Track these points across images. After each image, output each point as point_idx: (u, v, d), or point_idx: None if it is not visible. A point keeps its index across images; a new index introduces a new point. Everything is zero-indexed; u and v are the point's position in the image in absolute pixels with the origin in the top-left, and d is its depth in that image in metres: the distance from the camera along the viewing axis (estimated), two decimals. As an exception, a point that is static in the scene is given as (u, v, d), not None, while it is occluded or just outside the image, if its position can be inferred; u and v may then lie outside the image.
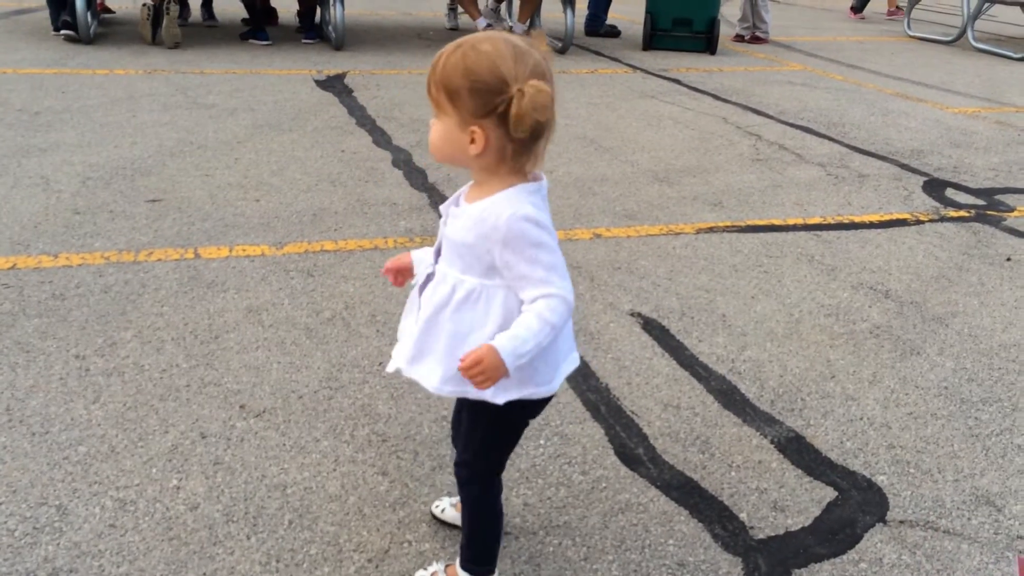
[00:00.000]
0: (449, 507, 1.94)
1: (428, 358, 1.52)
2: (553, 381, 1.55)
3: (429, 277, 1.54)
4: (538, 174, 1.49)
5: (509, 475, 2.11)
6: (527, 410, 1.60)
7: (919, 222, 4.02)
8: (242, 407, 2.31)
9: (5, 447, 2.09)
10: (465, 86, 1.37)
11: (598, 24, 8.51)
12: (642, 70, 7.03)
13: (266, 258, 3.18)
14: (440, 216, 1.55)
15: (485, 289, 1.46)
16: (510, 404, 1.51)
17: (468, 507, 1.69)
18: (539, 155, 1.45)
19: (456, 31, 8.10)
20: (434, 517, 1.96)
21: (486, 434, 1.62)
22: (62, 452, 2.09)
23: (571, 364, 1.61)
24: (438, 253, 1.54)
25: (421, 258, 1.61)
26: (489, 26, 7.30)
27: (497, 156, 1.42)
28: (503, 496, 1.74)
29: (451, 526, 1.92)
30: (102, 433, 2.16)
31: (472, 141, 1.39)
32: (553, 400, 2.41)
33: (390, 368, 1.60)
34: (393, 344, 1.65)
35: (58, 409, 2.24)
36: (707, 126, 5.43)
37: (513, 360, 1.40)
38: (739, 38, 8.70)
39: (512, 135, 1.38)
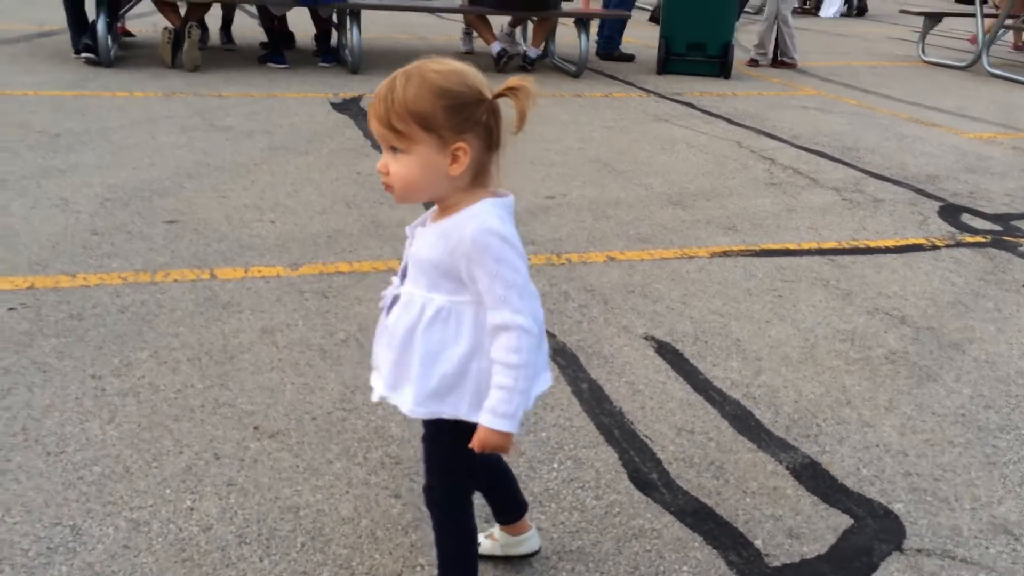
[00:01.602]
0: (483, 539, 1.90)
1: (403, 382, 1.51)
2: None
3: (395, 299, 1.52)
4: (504, 191, 1.49)
5: (522, 499, 2.11)
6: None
7: (935, 247, 4.00)
8: (256, 428, 2.31)
9: (20, 466, 2.10)
10: (441, 105, 1.37)
11: (612, 46, 8.55)
12: (656, 94, 7.05)
13: (281, 279, 3.20)
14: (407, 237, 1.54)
15: (454, 306, 1.46)
16: (460, 425, 1.49)
17: (437, 530, 1.68)
18: (497, 167, 1.47)
19: (471, 55, 8.16)
20: None
21: (448, 455, 1.60)
22: (77, 472, 2.09)
23: (544, 384, 1.57)
24: (404, 275, 1.53)
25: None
26: (504, 50, 7.34)
27: (471, 172, 1.43)
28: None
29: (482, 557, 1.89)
30: (117, 453, 2.17)
31: (454, 160, 1.40)
32: (566, 423, 2.42)
33: (374, 397, 1.58)
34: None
35: (74, 429, 2.26)
36: (721, 150, 5.43)
37: (508, 423, 1.43)
38: (753, 63, 8.73)
39: (494, 147, 1.43)
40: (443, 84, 1.38)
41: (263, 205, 3.93)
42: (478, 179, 1.45)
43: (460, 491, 1.68)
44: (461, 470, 1.65)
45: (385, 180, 1.44)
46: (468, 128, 1.39)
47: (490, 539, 1.90)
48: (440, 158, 1.39)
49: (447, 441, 1.57)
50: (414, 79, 1.38)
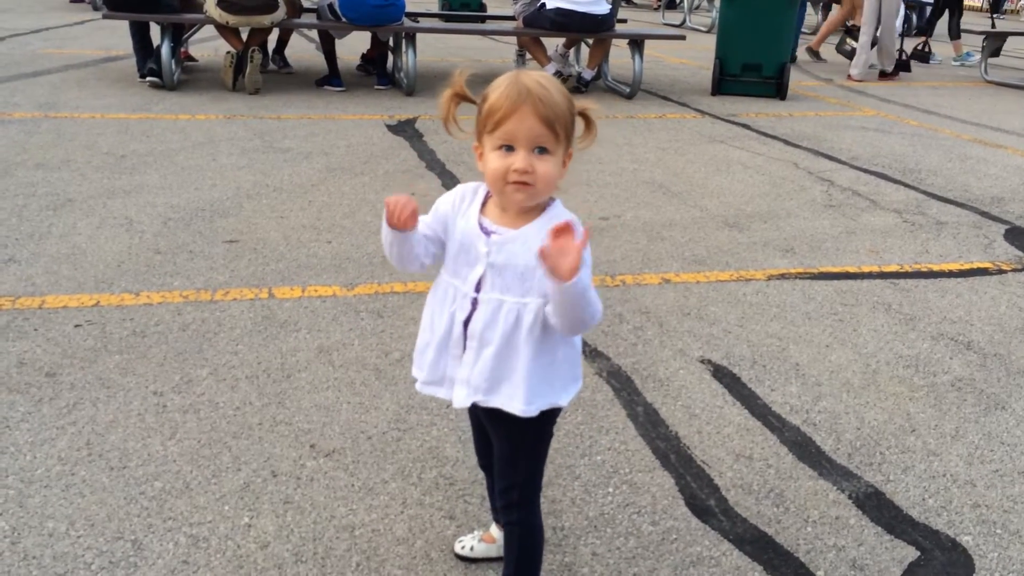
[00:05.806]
0: (477, 542, 1.94)
1: (504, 384, 1.54)
2: (579, 383, 1.65)
3: (473, 305, 1.54)
4: None
5: (577, 523, 2.09)
6: (555, 418, 1.66)
7: (1001, 271, 3.89)
8: (312, 446, 2.33)
9: (85, 480, 2.14)
10: (574, 115, 1.51)
11: None
12: (710, 115, 7.01)
13: (337, 299, 3.23)
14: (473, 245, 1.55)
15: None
16: (546, 414, 1.57)
17: (519, 529, 1.68)
18: None
19: (525, 77, 8.18)
20: (461, 558, 1.94)
21: (536, 445, 1.65)
22: (139, 487, 2.13)
23: (575, 388, 1.64)
24: (478, 284, 1.54)
25: (423, 232, 1.59)
26: (558, 72, 7.37)
27: None
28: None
29: (487, 560, 1.91)
30: (177, 469, 2.20)
31: (564, 164, 1.52)
32: (621, 447, 2.40)
33: (464, 403, 1.57)
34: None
35: (136, 444, 2.30)
36: (777, 171, 5.37)
37: (582, 286, 1.43)
38: (882, 75, 8.86)
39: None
40: (570, 97, 1.50)
41: (320, 225, 3.98)
42: None
43: (539, 485, 1.71)
44: (544, 460, 1.69)
45: (525, 179, 1.46)
46: (572, 138, 1.52)
47: (484, 541, 1.92)
48: (561, 161, 1.51)
49: (537, 430, 1.62)
50: (551, 87, 1.48)
